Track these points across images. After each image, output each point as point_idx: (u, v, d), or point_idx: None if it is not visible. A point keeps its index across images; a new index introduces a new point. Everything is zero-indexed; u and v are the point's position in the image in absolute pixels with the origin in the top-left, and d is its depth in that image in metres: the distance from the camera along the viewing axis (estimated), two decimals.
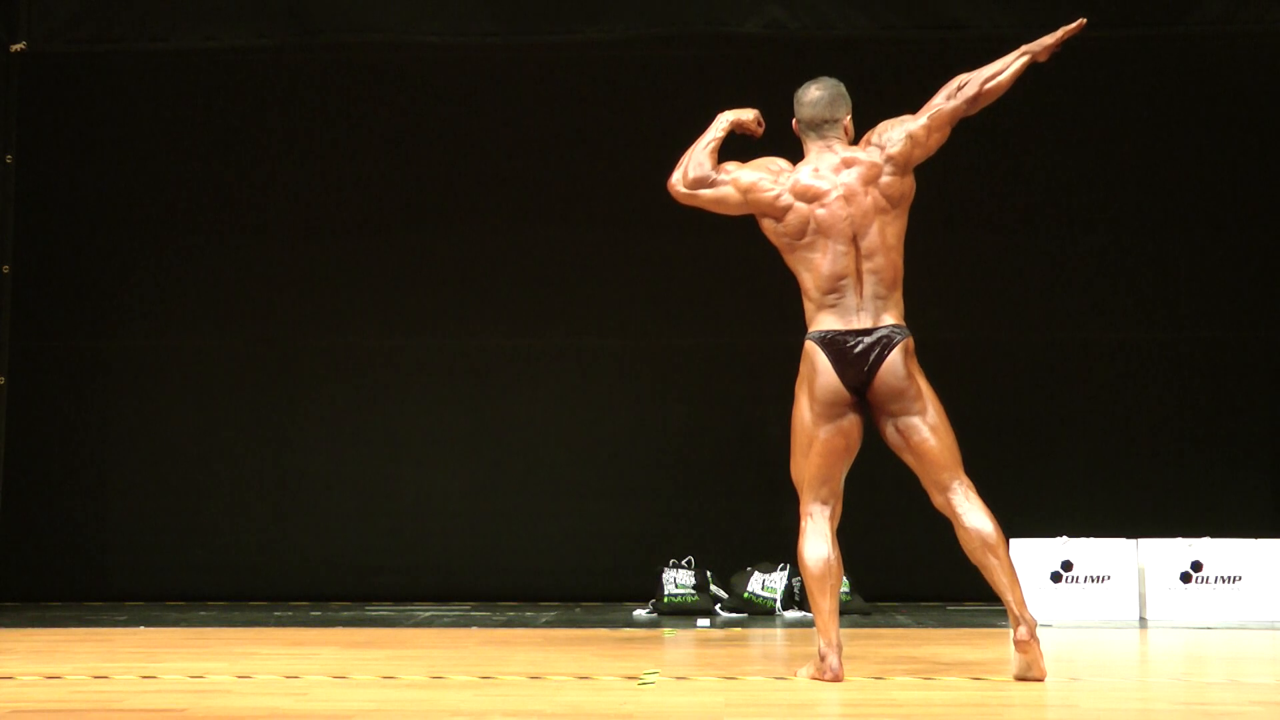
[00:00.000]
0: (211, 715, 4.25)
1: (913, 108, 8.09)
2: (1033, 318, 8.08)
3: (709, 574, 7.47)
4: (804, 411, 5.01)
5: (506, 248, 8.20)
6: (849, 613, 7.20)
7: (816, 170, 5.08)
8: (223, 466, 8.16)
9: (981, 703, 4.49)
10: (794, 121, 5.22)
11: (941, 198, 8.00)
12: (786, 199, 5.06)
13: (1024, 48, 5.17)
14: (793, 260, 5.09)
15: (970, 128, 8.09)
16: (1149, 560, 7.03)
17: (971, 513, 4.89)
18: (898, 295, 5.02)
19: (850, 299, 4.98)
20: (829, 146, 5.12)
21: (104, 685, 4.85)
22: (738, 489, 8.03)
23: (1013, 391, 7.88)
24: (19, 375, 7.73)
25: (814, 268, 5.01)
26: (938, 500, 4.97)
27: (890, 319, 4.97)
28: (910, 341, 4.97)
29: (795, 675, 4.98)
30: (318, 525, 8.10)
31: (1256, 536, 7.10)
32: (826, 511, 5.01)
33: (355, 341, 8.20)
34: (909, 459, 4.99)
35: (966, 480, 4.95)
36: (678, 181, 5.26)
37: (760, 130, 5.33)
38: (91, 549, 8.10)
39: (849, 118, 5.20)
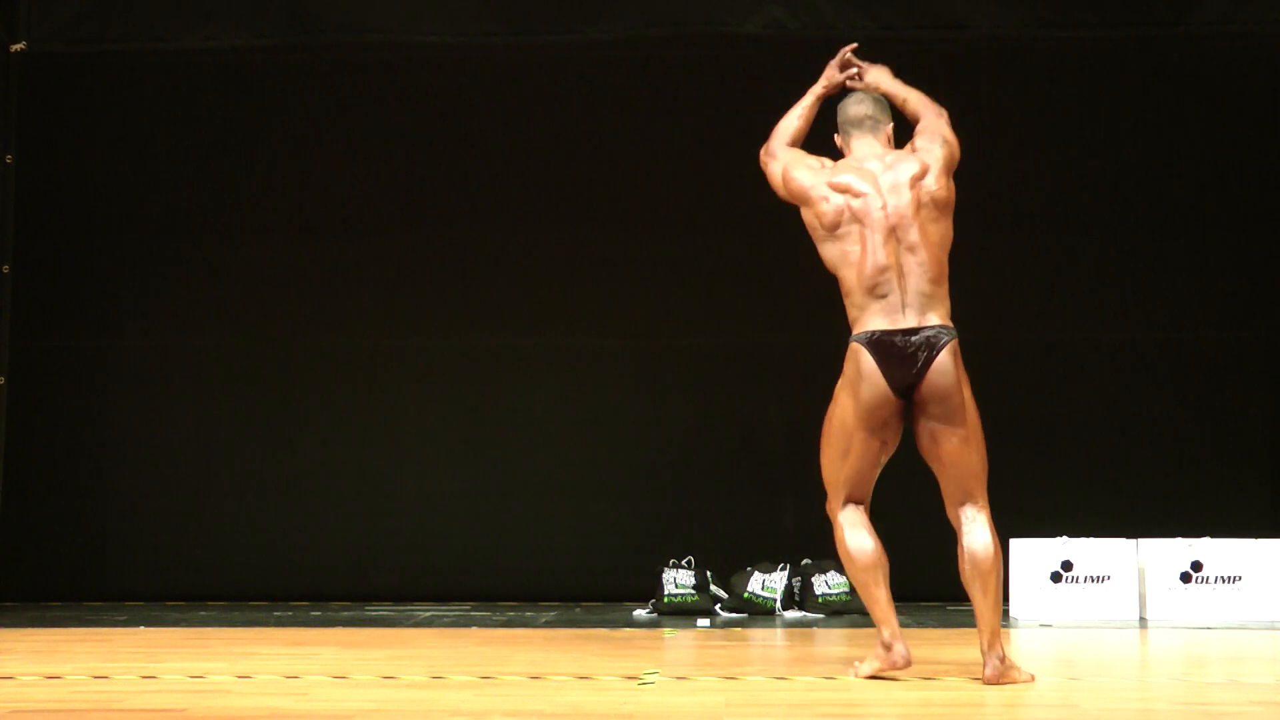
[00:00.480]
0: (211, 715, 4.25)
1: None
2: (1032, 317, 8.08)
3: (709, 574, 7.47)
4: (845, 414, 4.95)
5: (506, 247, 8.20)
6: (849, 612, 7.20)
7: (858, 163, 5.09)
8: (223, 466, 8.16)
9: (981, 703, 4.49)
10: (835, 135, 5.22)
11: None
12: (822, 189, 5.05)
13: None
14: (832, 255, 5.01)
15: (970, 128, 8.11)
16: (1149, 560, 7.03)
17: (976, 532, 4.85)
18: (944, 292, 4.93)
19: (894, 295, 4.89)
20: (870, 145, 5.13)
21: (104, 685, 4.86)
22: (738, 489, 8.03)
23: (1013, 391, 7.88)
24: (19, 375, 7.73)
25: (853, 262, 4.94)
26: (950, 511, 4.93)
27: (936, 318, 4.89)
28: (957, 343, 4.90)
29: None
30: (318, 525, 8.10)
31: (1256, 536, 7.10)
32: (860, 507, 5.01)
33: (355, 341, 8.20)
34: (934, 464, 4.94)
35: (984, 500, 4.90)
36: (763, 150, 5.30)
37: (848, 73, 5.33)
38: (91, 549, 8.10)
39: (891, 125, 5.20)
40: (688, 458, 8.09)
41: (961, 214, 7.92)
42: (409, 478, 8.15)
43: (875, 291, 4.92)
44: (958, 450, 4.88)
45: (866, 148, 5.13)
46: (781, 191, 5.19)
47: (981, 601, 4.80)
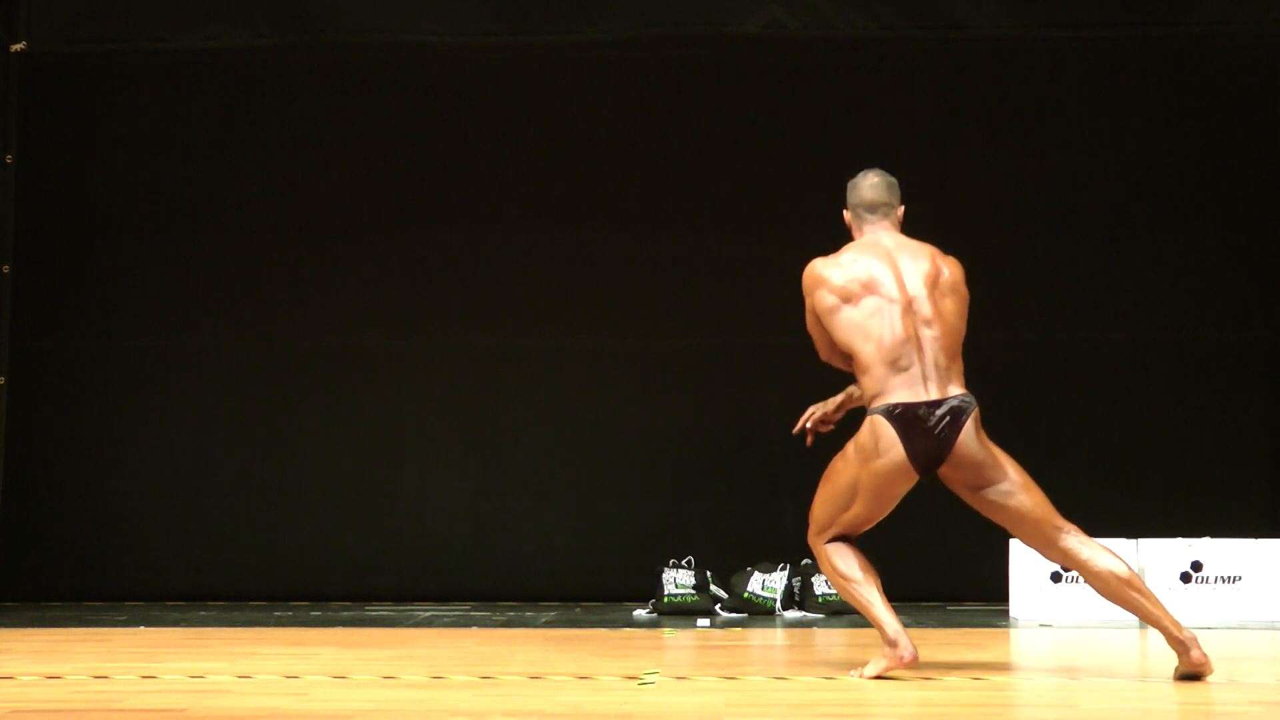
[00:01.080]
0: (211, 715, 4.25)
1: (913, 107, 8.14)
2: (1032, 318, 8.08)
3: (709, 574, 7.47)
4: (855, 479, 4.97)
5: (506, 247, 8.19)
6: (849, 612, 7.20)
7: (875, 245, 5.08)
8: (223, 466, 8.16)
9: (982, 703, 4.49)
10: (845, 211, 5.21)
11: (941, 197, 8.00)
12: (833, 270, 5.04)
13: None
14: (848, 330, 4.99)
15: (970, 128, 8.12)
16: (1149, 560, 7.03)
17: (1096, 556, 4.87)
18: (959, 365, 4.98)
19: (915, 368, 4.92)
20: (884, 228, 5.14)
21: (104, 685, 4.86)
22: (738, 489, 8.03)
23: (1013, 392, 7.87)
24: (19, 375, 7.73)
25: (873, 334, 4.95)
26: (1051, 554, 4.95)
27: (956, 389, 4.92)
28: (978, 410, 4.95)
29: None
30: (318, 525, 8.09)
31: (1256, 537, 7.10)
32: (849, 540, 5.06)
33: (355, 341, 8.19)
34: (1004, 523, 4.99)
35: (1070, 525, 4.93)
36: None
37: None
38: (91, 549, 8.09)
39: (902, 209, 5.19)
40: (688, 457, 8.08)
41: (962, 214, 7.96)
42: (409, 478, 8.15)
43: (897, 364, 4.93)
44: (1022, 502, 4.92)
45: (880, 231, 5.14)
46: (824, 337, 5.11)
47: (1145, 604, 4.81)
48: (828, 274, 5.05)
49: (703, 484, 8.06)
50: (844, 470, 5.02)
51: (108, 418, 8.19)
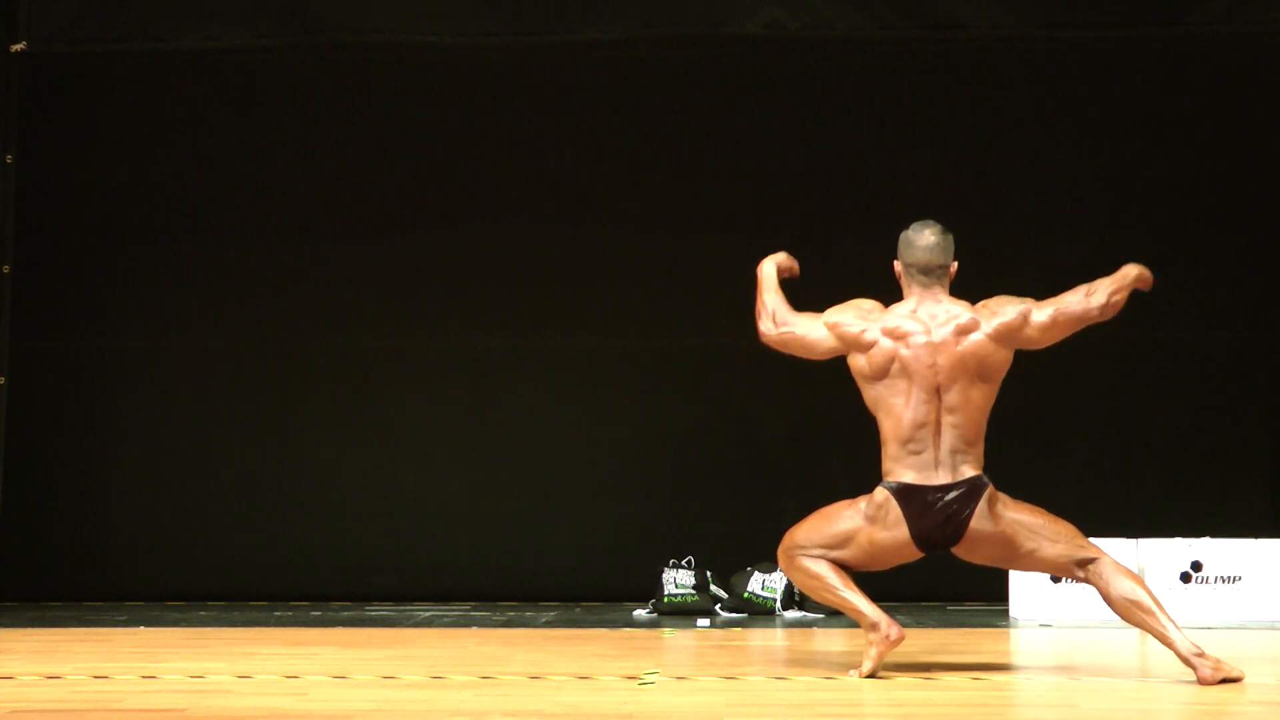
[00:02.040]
0: (211, 715, 4.25)
1: (912, 107, 8.13)
2: None
3: (709, 574, 7.47)
4: (853, 530, 5.00)
5: (505, 247, 8.18)
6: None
7: (914, 312, 5.03)
8: (223, 466, 8.16)
9: (982, 702, 4.49)
10: (897, 262, 5.14)
11: (939, 197, 8.00)
12: (874, 334, 5.01)
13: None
14: (873, 400, 5.02)
15: (969, 128, 8.12)
16: (1149, 560, 7.03)
17: (1114, 583, 4.94)
18: (979, 447, 4.99)
19: (928, 453, 4.94)
20: (933, 294, 5.07)
21: (104, 685, 4.86)
22: (738, 489, 8.02)
23: (1011, 392, 7.84)
24: (19, 375, 7.72)
25: (894, 413, 4.96)
26: (1077, 575, 5.03)
27: (970, 470, 4.94)
28: (993, 488, 4.96)
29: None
30: (317, 525, 8.09)
31: (1256, 537, 7.10)
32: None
33: (354, 341, 8.19)
34: (1032, 571, 5.19)
35: (1093, 552, 4.99)
36: (768, 329, 5.21)
37: (795, 272, 5.31)
38: (91, 549, 8.09)
39: (955, 266, 5.14)
40: (688, 457, 8.08)
41: (961, 214, 7.95)
42: (409, 478, 8.14)
43: (909, 446, 4.95)
44: (1046, 556, 5.00)
45: (927, 294, 5.07)
46: (823, 342, 5.09)
47: (1160, 627, 4.87)
48: (878, 321, 5.01)
49: (703, 484, 8.06)
50: (847, 519, 5.04)
51: (107, 418, 8.18)
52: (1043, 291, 8.03)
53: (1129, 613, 4.92)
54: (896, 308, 5.08)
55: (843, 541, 5.01)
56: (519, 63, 8.11)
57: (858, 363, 5.04)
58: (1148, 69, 8.04)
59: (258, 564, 8.04)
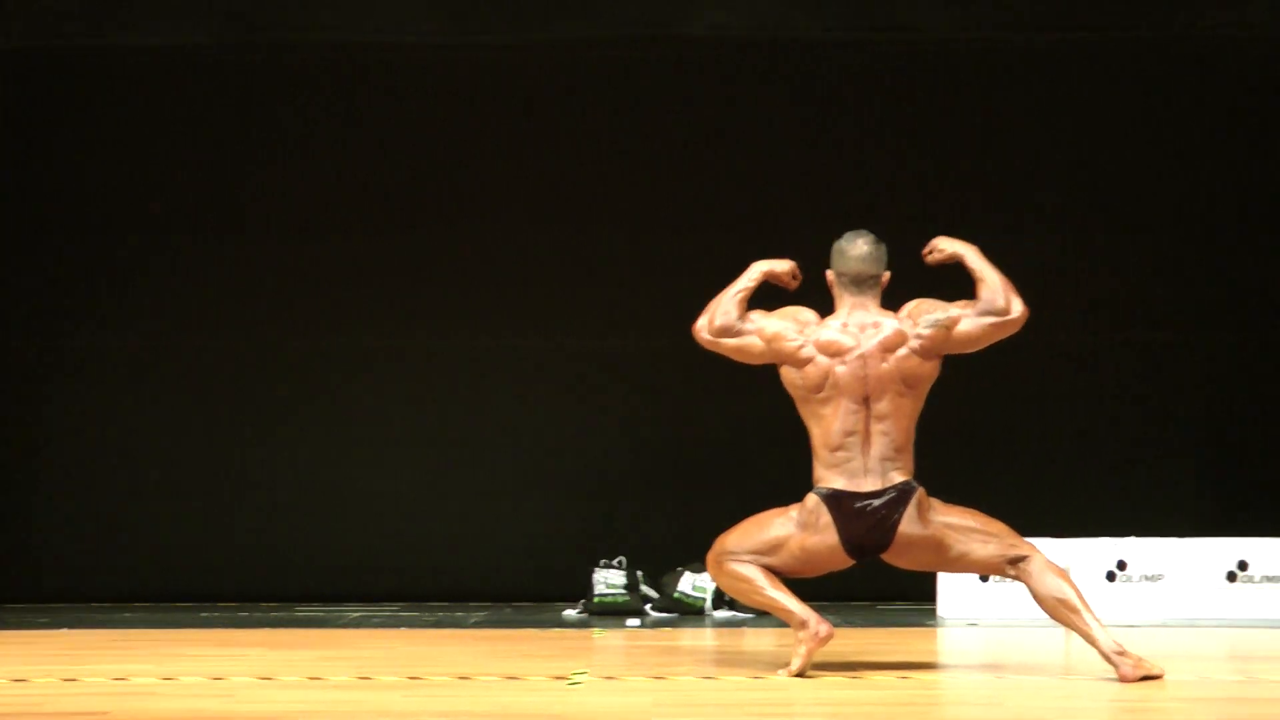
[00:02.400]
0: (135, 718, 4.21)
1: (854, 110, 8.15)
2: None
3: (639, 574, 7.48)
4: (785, 537, 5.01)
5: (444, 249, 8.15)
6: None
7: (845, 326, 5.03)
8: (150, 466, 8.07)
9: (909, 701, 4.52)
10: (829, 271, 5.12)
11: (886, 199, 8.04)
12: (809, 350, 5.01)
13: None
14: (805, 413, 5.05)
15: (913, 131, 8.16)
16: (1075, 559, 7.09)
17: (1043, 579, 4.98)
18: (906, 457, 5.02)
19: (858, 460, 4.96)
20: (864, 304, 5.07)
21: (23, 689, 4.79)
22: (669, 489, 8.03)
23: (943, 395, 7.88)
24: None
25: (824, 422, 4.98)
26: (1009, 574, 5.07)
27: (899, 476, 4.97)
28: (922, 493, 4.99)
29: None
30: (245, 525, 8.03)
31: (1179, 536, 7.20)
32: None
33: (287, 342, 8.13)
34: (978, 570, 5.23)
35: (1023, 549, 5.02)
36: (703, 328, 5.17)
37: (795, 284, 5.21)
38: (14, 550, 7.98)
39: (887, 275, 5.15)
40: (619, 458, 8.08)
41: (906, 215, 8.01)
42: (339, 478, 8.09)
43: (839, 454, 4.98)
44: (978, 558, 5.04)
45: (859, 304, 5.07)
46: (758, 354, 5.09)
47: (1084, 625, 4.91)
48: (813, 335, 5.00)
49: (634, 484, 8.06)
50: (779, 526, 5.05)
51: (36, 417, 8.08)
52: (973, 294, 8.13)
53: (1055, 610, 4.97)
54: (830, 321, 5.08)
55: (774, 548, 5.03)
56: (471, 64, 8.07)
57: (791, 376, 5.05)
58: (1095, 72, 8.10)
59: (184, 564, 7.97)
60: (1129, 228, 8.12)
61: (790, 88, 8.13)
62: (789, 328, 5.06)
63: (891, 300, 5.19)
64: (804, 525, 4.99)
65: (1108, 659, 4.83)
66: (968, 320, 5.09)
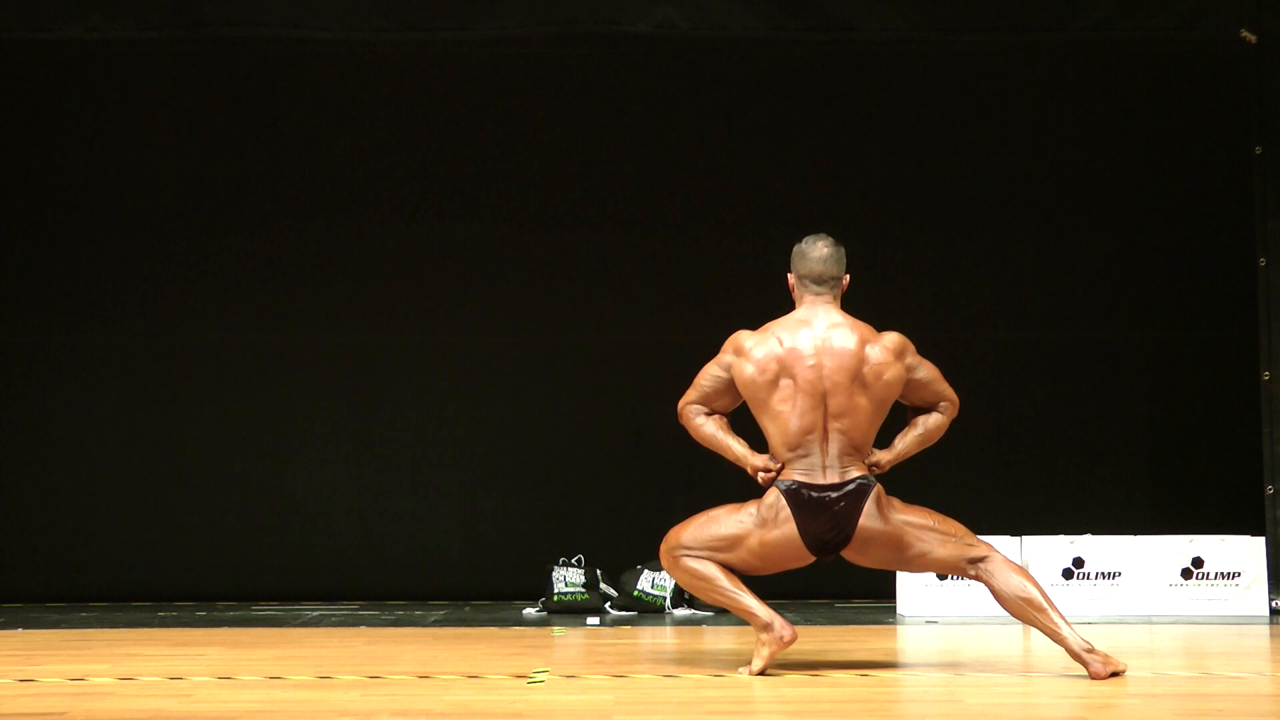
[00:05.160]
0: (92, 718, 4.18)
1: (804, 108, 8.18)
2: (914, 316, 8.11)
3: (599, 572, 7.48)
4: (743, 532, 5.00)
5: (388, 243, 8.13)
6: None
7: (807, 323, 5.04)
8: (106, 465, 8.02)
9: (869, 699, 4.54)
10: (791, 275, 5.13)
11: (830, 197, 8.08)
12: (763, 351, 5.01)
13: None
14: (760, 410, 5.03)
15: (856, 129, 8.20)
16: (1033, 557, 7.15)
17: (1005, 579, 5.01)
18: (867, 449, 5.04)
19: (815, 457, 4.97)
20: (824, 305, 5.08)
21: None
22: (627, 487, 8.04)
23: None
24: None
25: (781, 421, 4.98)
26: (969, 574, 5.08)
27: (856, 471, 4.98)
28: (881, 489, 5.01)
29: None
30: (203, 524, 7.99)
31: (1135, 534, 7.25)
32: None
33: (238, 339, 8.09)
34: (935, 571, 5.21)
35: (982, 550, 5.05)
36: (685, 411, 5.21)
37: (762, 479, 5.08)
38: None
39: (847, 279, 5.16)
40: (578, 456, 8.08)
41: (850, 213, 8.04)
42: (295, 475, 8.07)
43: (797, 450, 4.98)
44: (937, 558, 5.06)
45: (818, 305, 5.08)
46: (732, 387, 5.10)
47: (1051, 623, 4.93)
48: (749, 346, 5.03)
49: (593, 482, 8.07)
50: (736, 523, 5.04)
51: None
52: (925, 291, 8.19)
53: (1020, 610, 4.99)
54: (789, 318, 5.08)
55: (731, 544, 5.03)
56: (412, 59, 8.05)
57: (747, 373, 5.03)
58: (1029, 73, 8.16)
59: (141, 563, 7.92)
60: (1081, 226, 8.18)
61: (740, 86, 8.16)
62: (749, 370, 5.03)
63: (862, 308, 5.23)
64: (764, 521, 4.99)
65: (1077, 657, 4.86)
66: (922, 368, 5.13)
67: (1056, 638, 4.92)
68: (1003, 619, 6.94)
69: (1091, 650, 4.85)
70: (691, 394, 5.18)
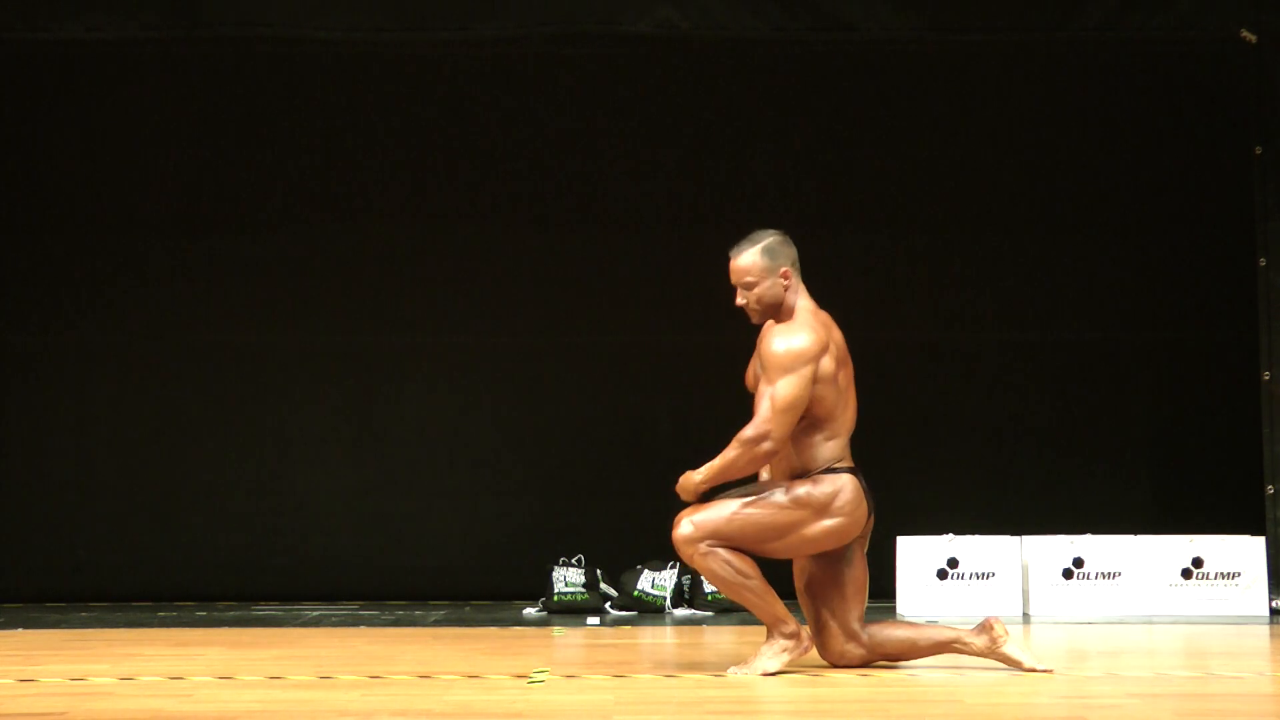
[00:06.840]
0: (93, 718, 4.18)
1: (804, 108, 8.19)
2: (915, 318, 8.16)
3: (599, 572, 7.48)
4: (793, 521, 4.90)
5: (388, 243, 8.13)
6: (738, 610, 7.23)
7: (822, 311, 5.04)
8: (105, 465, 8.03)
9: (870, 699, 4.54)
10: (785, 267, 4.97)
11: (828, 198, 8.07)
12: (830, 343, 4.96)
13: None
14: (837, 400, 4.92)
15: (855, 129, 8.19)
16: (1032, 557, 7.15)
17: (892, 627, 5.12)
18: None
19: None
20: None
21: None
22: (628, 487, 8.03)
23: (897, 392, 7.96)
24: None
25: (851, 404, 4.99)
26: (867, 631, 5.05)
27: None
28: None
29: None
30: (203, 524, 7.99)
31: (1135, 534, 7.25)
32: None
33: (237, 339, 8.09)
34: (852, 589, 5.03)
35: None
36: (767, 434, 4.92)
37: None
38: None
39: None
40: (578, 456, 8.08)
41: (849, 215, 8.04)
42: (296, 475, 8.07)
43: (851, 434, 5.01)
44: (862, 572, 5.06)
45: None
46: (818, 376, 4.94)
47: (941, 641, 5.05)
48: (819, 343, 4.90)
49: (593, 482, 8.07)
50: (785, 512, 4.89)
51: None
52: (928, 293, 8.19)
53: (923, 646, 5.07)
54: (813, 313, 4.99)
55: (781, 533, 4.90)
56: (412, 59, 8.05)
57: (827, 367, 4.92)
58: (1030, 73, 8.16)
59: (141, 563, 7.92)
60: (1081, 226, 8.18)
61: (740, 86, 8.15)
62: (827, 349, 4.94)
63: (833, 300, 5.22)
64: (824, 510, 4.90)
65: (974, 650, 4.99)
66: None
67: (962, 649, 5.05)
68: (1003, 619, 6.94)
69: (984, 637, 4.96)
70: (788, 417, 4.86)
